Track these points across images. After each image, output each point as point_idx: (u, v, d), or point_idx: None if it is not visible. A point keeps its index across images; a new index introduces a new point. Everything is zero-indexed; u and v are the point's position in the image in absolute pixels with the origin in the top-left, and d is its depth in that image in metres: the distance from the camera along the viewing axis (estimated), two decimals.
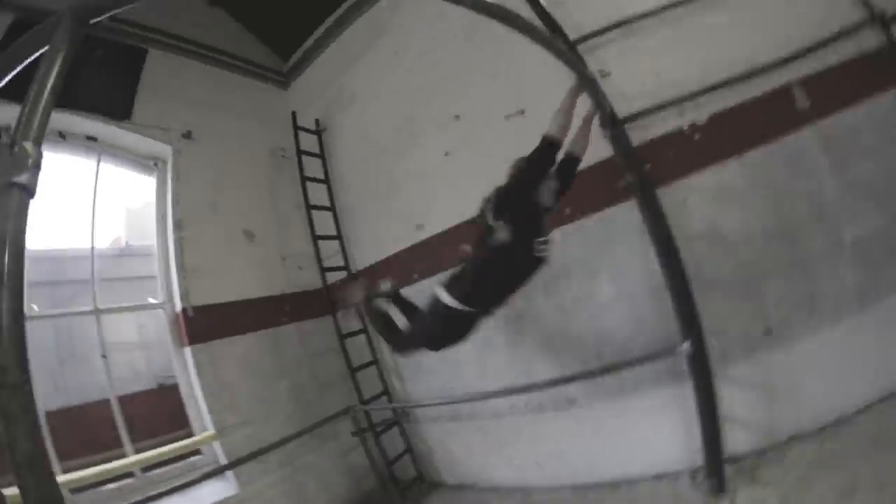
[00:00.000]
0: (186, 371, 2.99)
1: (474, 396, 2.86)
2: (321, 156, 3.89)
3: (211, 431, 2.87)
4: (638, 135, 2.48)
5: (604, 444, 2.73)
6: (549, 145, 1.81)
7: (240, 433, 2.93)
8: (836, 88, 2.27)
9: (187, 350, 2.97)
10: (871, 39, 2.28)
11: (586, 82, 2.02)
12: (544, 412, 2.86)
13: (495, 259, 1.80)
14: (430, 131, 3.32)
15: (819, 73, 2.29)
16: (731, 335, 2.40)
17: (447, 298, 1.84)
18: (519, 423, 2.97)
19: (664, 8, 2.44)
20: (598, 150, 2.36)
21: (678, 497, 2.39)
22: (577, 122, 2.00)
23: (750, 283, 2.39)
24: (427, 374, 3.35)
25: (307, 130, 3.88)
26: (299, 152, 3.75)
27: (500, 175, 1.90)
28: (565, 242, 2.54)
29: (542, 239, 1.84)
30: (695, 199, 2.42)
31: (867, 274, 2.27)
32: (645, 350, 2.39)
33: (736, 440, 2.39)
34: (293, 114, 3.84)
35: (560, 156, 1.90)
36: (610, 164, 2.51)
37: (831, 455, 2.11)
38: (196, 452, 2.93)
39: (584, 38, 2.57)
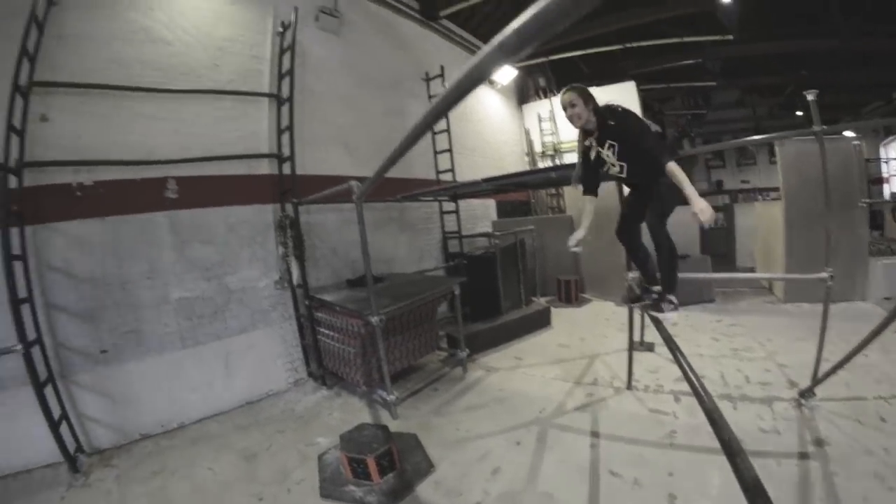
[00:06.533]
0: None
1: None
2: None
3: None
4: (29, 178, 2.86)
5: None
6: None
7: None
8: (198, 191, 3.40)
9: None
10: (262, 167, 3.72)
11: None
12: None
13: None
14: None
15: (193, 176, 3.39)
16: (74, 349, 2.97)
17: None
18: None
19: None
20: None
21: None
22: None
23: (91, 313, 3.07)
24: None
25: None
26: None
27: None
28: None
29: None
30: (60, 241, 2.95)
31: (189, 324, 3.41)
32: None
33: (98, 437, 3.01)
34: None
35: None
36: None
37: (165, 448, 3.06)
38: None
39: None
